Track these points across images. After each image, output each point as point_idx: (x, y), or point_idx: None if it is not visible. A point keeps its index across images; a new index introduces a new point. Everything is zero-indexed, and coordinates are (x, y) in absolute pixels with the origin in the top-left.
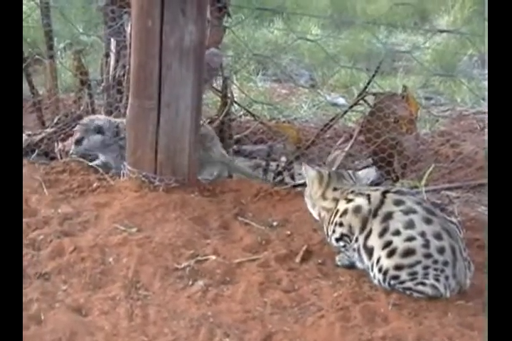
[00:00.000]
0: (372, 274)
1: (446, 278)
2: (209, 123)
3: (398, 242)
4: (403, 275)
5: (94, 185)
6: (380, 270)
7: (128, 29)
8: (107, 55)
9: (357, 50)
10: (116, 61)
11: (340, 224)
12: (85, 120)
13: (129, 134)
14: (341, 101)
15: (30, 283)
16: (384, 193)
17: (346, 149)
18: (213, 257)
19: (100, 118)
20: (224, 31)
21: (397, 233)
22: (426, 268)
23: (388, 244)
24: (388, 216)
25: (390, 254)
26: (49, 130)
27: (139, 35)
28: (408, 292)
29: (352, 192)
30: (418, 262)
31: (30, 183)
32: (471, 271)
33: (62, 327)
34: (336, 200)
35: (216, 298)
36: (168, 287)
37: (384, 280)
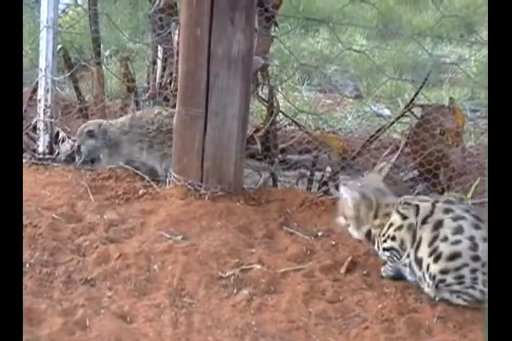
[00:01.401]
0: (425, 284)
1: (484, 282)
2: (254, 132)
3: (444, 247)
4: (449, 278)
5: (140, 192)
6: (430, 277)
7: (175, 37)
8: (154, 63)
9: (402, 61)
10: (163, 69)
11: (393, 238)
12: (80, 128)
13: (176, 142)
14: (386, 112)
15: (75, 289)
16: (434, 203)
17: (392, 161)
18: (258, 266)
19: (90, 123)
20: (271, 41)
21: (445, 239)
22: (474, 271)
23: (435, 250)
24: (438, 224)
25: (436, 259)
26: None
27: (187, 43)
28: (455, 296)
29: (401, 203)
30: (465, 265)
31: (76, 189)
32: None
33: (107, 334)
34: (387, 214)
35: (260, 307)
36: (212, 295)
37: (433, 284)
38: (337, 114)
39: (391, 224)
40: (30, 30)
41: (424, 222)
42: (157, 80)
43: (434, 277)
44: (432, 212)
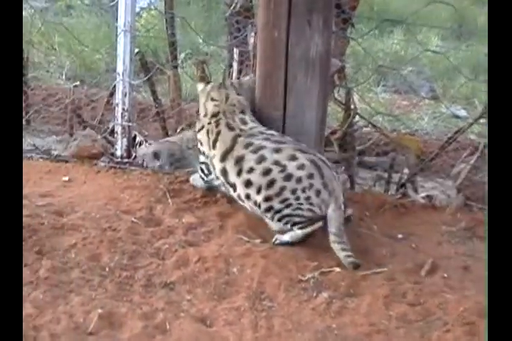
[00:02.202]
0: (266, 219)
1: (318, 192)
2: (331, 134)
3: (256, 177)
4: (276, 204)
5: (218, 195)
6: (255, 204)
7: (251, 40)
8: (230, 65)
9: (478, 62)
10: (239, 71)
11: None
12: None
13: None
14: (463, 113)
15: (155, 293)
16: (236, 137)
17: (471, 162)
18: (338, 269)
19: (155, 145)
20: (348, 42)
21: (251, 170)
22: (294, 191)
23: (248, 182)
24: (240, 159)
25: (258, 192)
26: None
27: (264, 45)
28: (288, 219)
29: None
30: (283, 188)
31: (155, 193)
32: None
33: (187, 337)
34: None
35: (340, 310)
36: (292, 298)
37: (262, 212)
38: (413, 115)
39: (201, 143)
40: (105, 34)
41: (224, 156)
42: None
43: (259, 206)
44: (232, 148)
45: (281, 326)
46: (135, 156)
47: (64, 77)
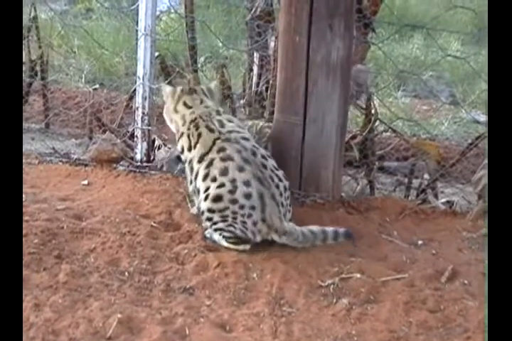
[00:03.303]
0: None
1: (254, 223)
2: (351, 138)
3: (212, 188)
4: (215, 217)
5: None
6: (200, 212)
7: (272, 44)
8: (251, 69)
9: None
10: (259, 75)
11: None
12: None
13: (273, 149)
14: (483, 118)
15: (174, 298)
16: (215, 139)
17: None
18: (358, 275)
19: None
20: (369, 47)
21: (214, 180)
22: (234, 213)
23: (207, 188)
24: (210, 163)
25: (205, 199)
26: None
27: (285, 50)
28: (219, 232)
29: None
30: (226, 207)
31: (174, 197)
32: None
33: None
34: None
35: (360, 316)
36: (312, 304)
37: (203, 220)
38: (433, 120)
39: (182, 149)
40: (125, 38)
41: (200, 160)
42: (253, 87)
43: (203, 213)
44: (210, 150)
45: (301, 332)
46: (153, 159)
47: (83, 80)
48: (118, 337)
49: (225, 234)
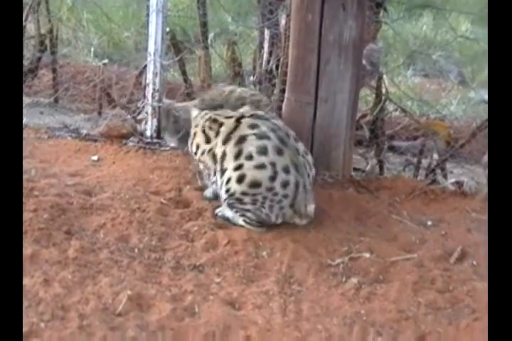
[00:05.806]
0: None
1: (282, 208)
2: (361, 118)
3: (248, 168)
4: (246, 199)
5: None
6: (227, 191)
7: (283, 21)
8: (262, 47)
9: None
10: (270, 53)
11: (200, 161)
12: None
13: None
14: None
15: (184, 275)
16: (239, 118)
17: None
18: (367, 255)
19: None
20: (380, 26)
21: (250, 157)
22: (265, 198)
23: (240, 166)
24: (242, 139)
25: (240, 181)
26: None
27: (298, 28)
28: (241, 213)
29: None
30: (260, 193)
31: (184, 174)
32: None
33: (215, 320)
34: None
35: (369, 296)
36: (321, 283)
37: (225, 199)
38: (442, 100)
39: (198, 146)
40: (134, 12)
41: (226, 139)
42: (263, 65)
43: (232, 194)
44: (235, 128)
45: (310, 310)
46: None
47: (92, 54)
48: (127, 314)
49: (250, 215)
